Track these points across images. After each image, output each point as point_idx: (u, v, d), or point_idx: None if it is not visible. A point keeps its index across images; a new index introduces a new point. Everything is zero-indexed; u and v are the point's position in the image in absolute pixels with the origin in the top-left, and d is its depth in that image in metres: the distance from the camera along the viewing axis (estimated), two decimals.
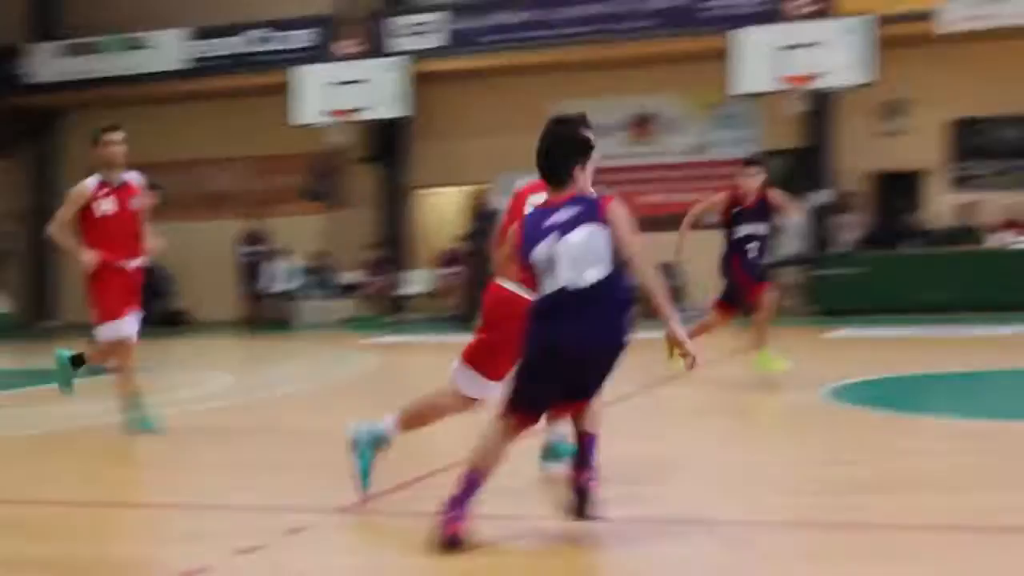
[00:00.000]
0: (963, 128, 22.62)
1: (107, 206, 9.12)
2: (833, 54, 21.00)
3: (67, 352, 9.26)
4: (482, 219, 21.77)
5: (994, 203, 22.04)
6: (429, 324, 23.04)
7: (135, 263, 9.20)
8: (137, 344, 9.18)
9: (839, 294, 21.01)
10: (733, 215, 11.34)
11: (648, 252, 5.32)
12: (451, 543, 5.15)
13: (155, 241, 9.40)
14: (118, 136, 9.28)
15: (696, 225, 11.62)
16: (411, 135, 25.43)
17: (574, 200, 5.49)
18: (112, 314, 9.02)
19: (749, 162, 11.83)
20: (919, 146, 22.71)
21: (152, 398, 9.40)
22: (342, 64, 24.21)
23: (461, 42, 24.14)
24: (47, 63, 26.96)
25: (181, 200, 25.18)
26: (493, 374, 6.17)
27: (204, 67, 25.57)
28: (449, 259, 23.85)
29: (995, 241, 21.38)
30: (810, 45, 21.06)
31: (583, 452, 5.55)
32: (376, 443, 6.40)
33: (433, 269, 24.60)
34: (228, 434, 9.20)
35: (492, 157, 24.74)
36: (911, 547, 5.24)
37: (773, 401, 10.54)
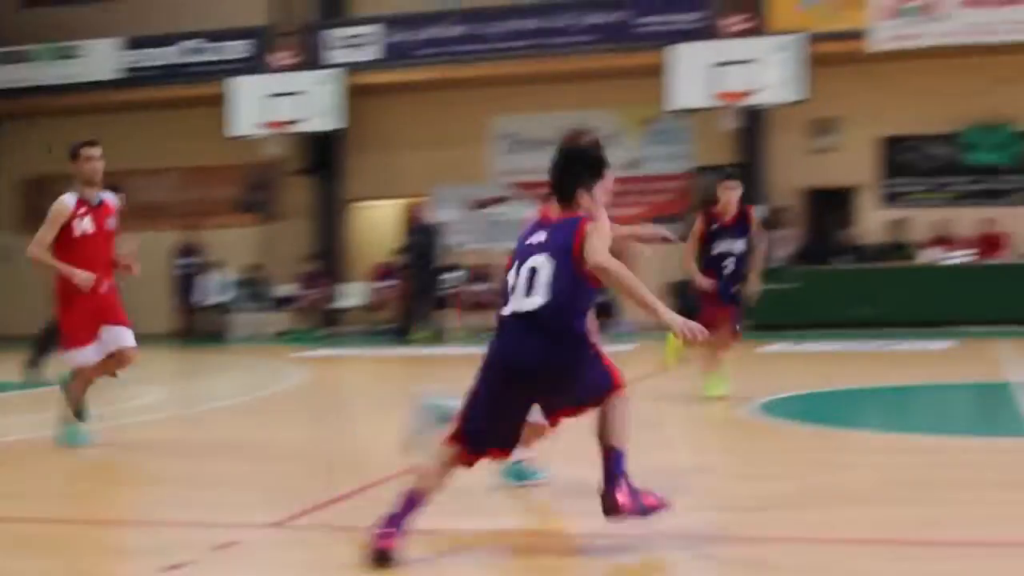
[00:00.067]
0: (893, 145, 22.92)
1: (85, 225, 8.86)
2: (766, 71, 21.21)
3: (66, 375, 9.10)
4: (417, 232, 21.79)
5: (923, 219, 22.36)
6: (364, 337, 23.01)
7: (107, 285, 8.99)
8: (136, 354, 9.06)
9: (772, 309, 21.12)
10: (711, 232, 11.09)
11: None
12: (380, 558, 5.14)
13: (131, 251, 9.25)
14: (97, 151, 8.99)
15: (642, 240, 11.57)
16: (347, 147, 25.39)
17: (560, 223, 5.55)
18: (75, 341, 8.88)
19: (728, 176, 11.59)
20: (850, 163, 22.99)
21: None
22: (277, 76, 24.13)
23: (397, 55, 24.13)
24: None
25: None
26: None
27: (138, 77, 25.37)
28: (385, 272, 23.83)
29: (925, 257, 21.67)
30: (743, 62, 21.25)
31: (605, 467, 5.46)
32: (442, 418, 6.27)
33: (368, 282, 24.56)
34: (159, 448, 9.15)
35: (428, 170, 24.80)
36: (836, 561, 5.31)
37: (703, 415, 10.62)
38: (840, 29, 21.18)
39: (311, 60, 24.31)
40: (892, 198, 23.06)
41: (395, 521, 5.23)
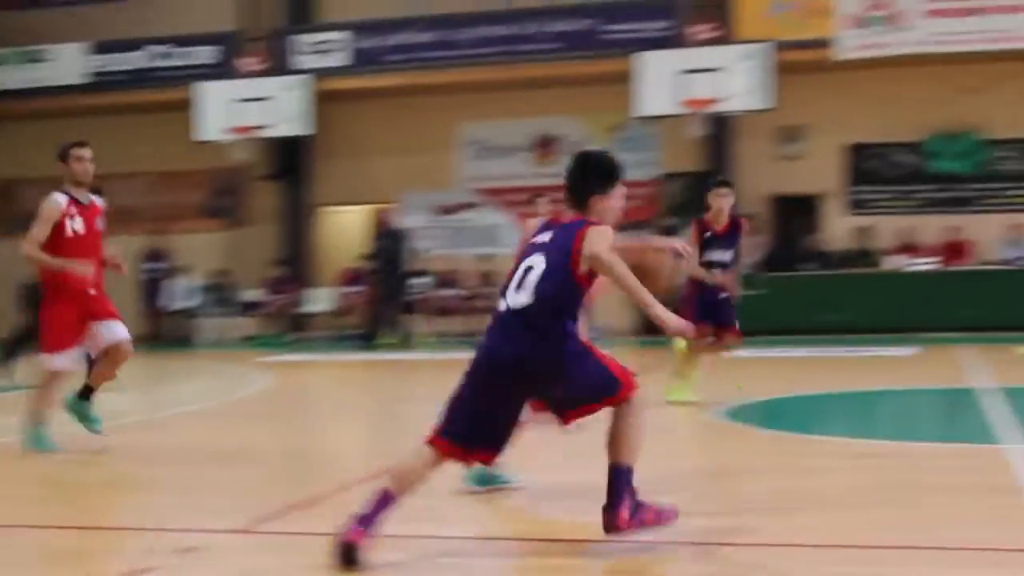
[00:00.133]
0: (858, 153, 23.07)
1: (77, 225, 8.81)
2: (733, 79, 21.31)
3: (70, 396, 9.04)
4: (385, 238, 21.78)
5: (889, 227, 22.52)
6: (331, 342, 22.98)
7: (95, 288, 8.92)
8: (131, 349, 9.06)
9: (738, 315, 21.24)
10: (704, 241, 10.98)
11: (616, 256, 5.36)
12: (346, 551, 5.15)
13: (117, 251, 9.20)
14: (88, 152, 8.94)
15: None
16: (315, 153, 25.36)
17: (566, 224, 5.63)
18: (57, 345, 8.83)
19: (721, 183, 11.45)
20: (816, 170, 23.12)
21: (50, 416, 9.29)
22: (245, 81, 24.09)
23: (365, 61, 24.12)
24: None
25: None
26: None
27: (105, 82, 25.27)
28: (352, 277, 23.81)
29: (890, 264, 21.81)
30: (710, 70, 21.35)
31: (609, 483, 5.48)
32: None
33: (336, 287, 24.54)
34: (124, 453, 9.11)
35: (396, 176, 24.80)
36: (801, 565, 5.35)
37: (670, 420, 10.66)
38: (807, 38, 21.30)
39: (279, 66, 24.27)
40: (858, 205, 23.21)
41: (366, 519, 5.25)
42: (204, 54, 24.98)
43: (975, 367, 14.53)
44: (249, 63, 24.35)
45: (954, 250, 22.02)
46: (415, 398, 13.87)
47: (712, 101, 21.38)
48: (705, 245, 11.00)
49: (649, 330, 20.92)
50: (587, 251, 5.36)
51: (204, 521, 6.42)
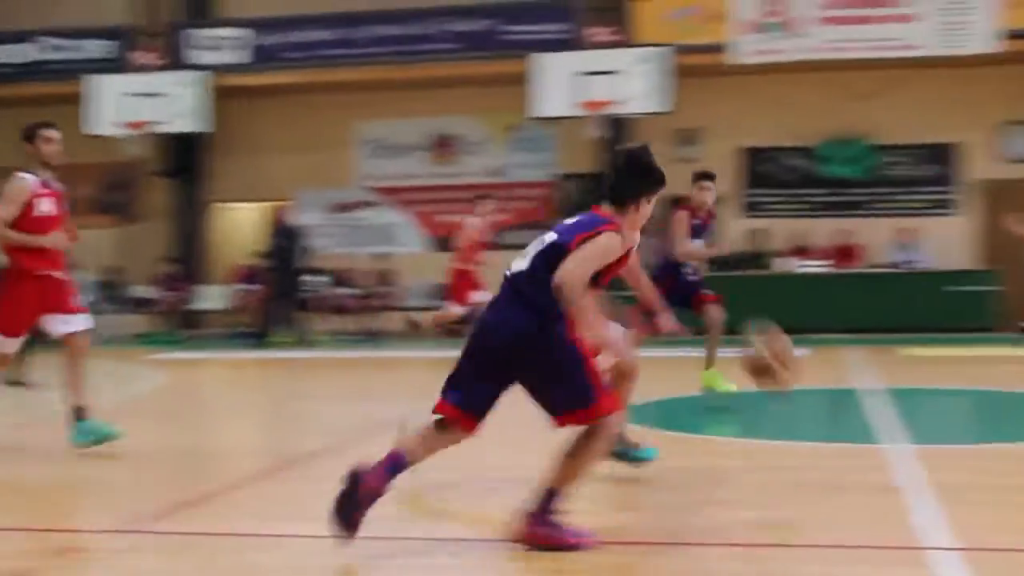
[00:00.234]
0: (753, 157, 23.37)
1: (45, 207, 8.68)
2: (630, 82, 21.47)
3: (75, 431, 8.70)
4: (281, 235, 21.64)
5: (782, 229, 22.84)
6: (224, 340, 22.77)
7: (61, 271, 8.78)
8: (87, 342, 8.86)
9: (632, 315, 21.42)
10: (692, 229, 10.96)
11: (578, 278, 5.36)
12: (351, 484, 5.42)
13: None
14: (57, 133, 8.81)
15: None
16: (211, 149, 25.12)
17: (593, 215, 5.65)
18: (8, 330, 8.62)
19: (705, 175, 11.34)
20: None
21: None
22: (139, 76, 23.76)
23: (263, 58, 23.93)
24: None
25: None
26: None
27: None
28: (246, 275, 23.61)
29: (781, 266, 22.11)
30: (608, 73, 21.49)
31: (539, 496, 5.50)
32: None
33: (229, 285, 24.31)
34: (10, 452, 8.97)
35: (293, 173, 24.65)
36: (698, 565, 5.42)
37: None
38: (704, 42, 21.51)
39: (174, 61, 23.99)
40: (752, 208, 23.50)
41: (380, 470, 5.44)
42: (97, 47, 24.60)
43: (861, 368, 14.78)
44: (144, 57, 24.02)
45: (844, 253, 22.41)
46: (309, 396, 13.82)
47: (609, 103, 21.52)
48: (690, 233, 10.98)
49: None
50: (559, 273, 5.35)
51: (89, 521, 6.34)
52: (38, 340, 10.71)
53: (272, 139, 24.95)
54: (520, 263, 5.60)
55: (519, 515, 5.49)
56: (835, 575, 5.12)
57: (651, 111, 21.56)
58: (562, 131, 23.19)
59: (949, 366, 15.96)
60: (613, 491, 7.03)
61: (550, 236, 5.60)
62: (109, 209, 26.04)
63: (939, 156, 22.95)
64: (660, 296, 9.20)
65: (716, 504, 6.61)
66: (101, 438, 8.56)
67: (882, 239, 22.48)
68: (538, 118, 22.23)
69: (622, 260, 5.68)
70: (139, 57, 24.05)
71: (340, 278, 23.69)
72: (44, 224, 8.68)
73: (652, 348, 17.74)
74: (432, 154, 24.80)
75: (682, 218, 10.99)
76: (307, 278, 22.16)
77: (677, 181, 26.44)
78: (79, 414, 8.68)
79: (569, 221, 5.70)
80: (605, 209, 5.69)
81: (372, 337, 22.61)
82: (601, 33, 22.18)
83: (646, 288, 7.96)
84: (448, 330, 19.40)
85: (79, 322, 8.80)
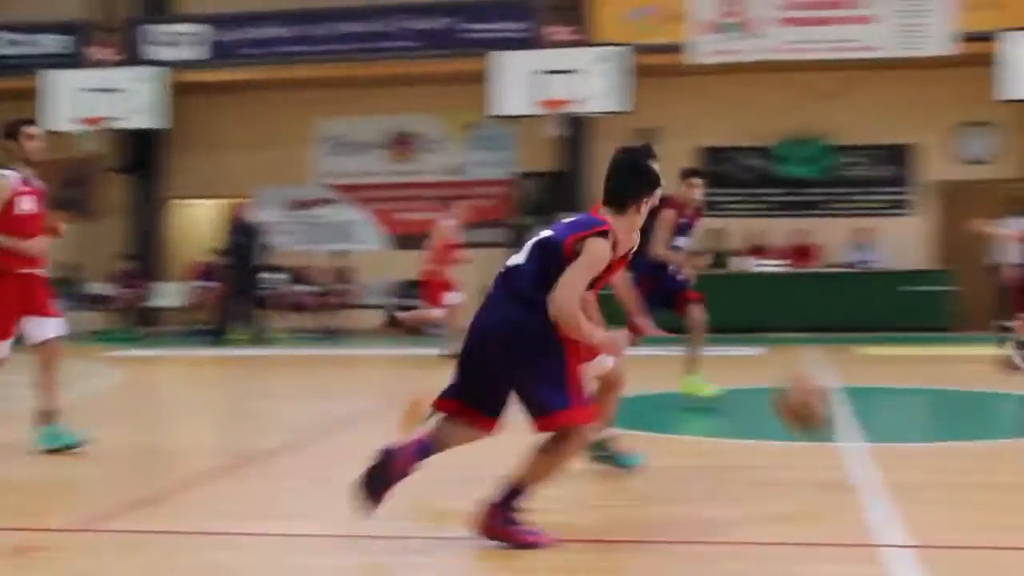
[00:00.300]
0: (711, 156, 23.45)
1: (27, 205, 8.46)
2: (589, 81, 21.51)
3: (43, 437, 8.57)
4: (239, 232, 21.56)
5: (739, 229, 22.95)
6: (181, 338, 22.67)
7: (42, 270, 8.61)
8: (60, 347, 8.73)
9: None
10: (679, 227, 10.90)
11: (573, 290, 5.45)
12: (397, 474, 5.58)
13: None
14: (38, 130, 8.60)
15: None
16: (168, 146, 24.99)
17: (588, 216, 5.71)
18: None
19: (694, 172, 11.32)
20: (669, 172, 23.20)
21: None
22: (96, 71, 23.59)
23: (221, 54, 23.83)
24: None
25: None
26: None
27: None
28: (204, 272, 23.50)
29: (738, 265, 22.21)
30: (567, 72, 21.53)
31: (503, 489, 5.54)
32: None
33: (187, 282, 24.20)
34: None
35: (251, 170, 24.57)
36: (633, 560, 5.45)
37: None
38: (663, 42, 21.58)
39: (132, 57, 23.85)
40: (710, 207, 23.47)
41: (407, 449, 5.60)
42: (53, 42, 24.43)
43: (817, 367, 14.87)
44: (101, 53, 23.86)
45: (801, 252, 22.55)
46: (267, 394, 13.79)
47: (568, 102, 21.56)
48: (675, 231, 10.90)
49: None
50: (552, 305, 5.41)
51: (43, 519, 6.30)
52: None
53: (230, 136, 24.86)
54: (515, 259, 5.65)
55: (482, 507, 5.50)
56: (792, 573, 5.17)
57: (610, 110, 21.62)
58: (521, 129, 23.22)
59: (904, 365, 16.09)
60: (576, 489, 7.06)
61: (546, 234, 5.65)
62: (66, 205, 25.75)
63: (895, 157, 23.14)
64: (641, 297, 9.25)
65: (677, 503, 6.65)
66: (66, 445, 8.49)
67: (839, 239, 22.64)
68: (497, 116, 22.24)
69: (619, 263, 5.75)
70: (96, 52, 23.89)
71: (298, 275, 23.63)
72: (25, 223, 8.46)
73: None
74: (391, 152, 24.78)
75: (668, 217, 10.85)
76: (265, 275, 22.09)
77: None
78: (47, 419, 8.62)
79: (566, 220, 5.76)
80: (602, 211, 5.74)
81: (330, 335, 22.56)
82: (560, 32, 22.21)
83: (625, 291, 8.04)
84: (410, 329, 19.41)
85: (55, 327, 8.67)
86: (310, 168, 24.92)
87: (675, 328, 10.74)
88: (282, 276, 23.17)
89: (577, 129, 22.73)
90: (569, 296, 5.41)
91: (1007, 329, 14.32)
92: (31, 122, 8.70)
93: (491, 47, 22.03)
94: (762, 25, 21.47)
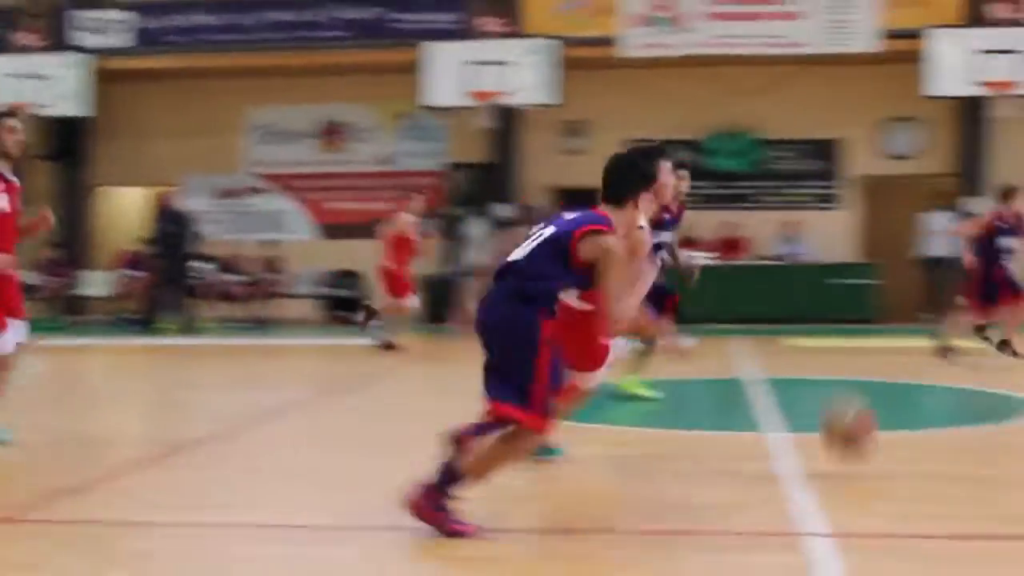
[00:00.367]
0: None
1: (1, 203, 8.07)
2: (520, 73, 21.56)
3: None
4: (168, 221, 21.37)
5: None
6: (108, 327, 22.45)
7: (13, 269, 8.24)
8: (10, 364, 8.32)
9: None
10: (663, 222, 10.70)
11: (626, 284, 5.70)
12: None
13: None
14: (19, 123, 8.22)
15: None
16: (95, 133, 24.73)
17: (589, 213, 5.83)
18: None
19: (680, 164, 10.98)
20: (597, 165, 23.11)
21: None
22: (21, 57, 23.29)
23: (149, 41, 23.62)
24: None
25: None
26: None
27: None
28: (131, 260, 23.28)
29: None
30: (498, 63, 21.56)
31: (440, 471, 5.55)
32: None
33: (114, 271, 23.97)
34: None
35: (180, 158, 24.37)
36: (580, 550, 5.50)
37: (441, 409, 10.71)
38: (593, 35, 21.66)
39: (58, 42, 23.57)
40: None
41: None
42: None
43: (745, 358, 15.03)
44: (26, 38, 23.57)
45: (730, 245, 22.72)
46: (195, 384, 13.71)
47: (499, 94, 21.60)
48: (658, 226, 10.94)
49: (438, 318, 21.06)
50: (609, 311, 5.62)
51: None
52: None
53: (158, 123, 24.65)
54: (515, 256, 5.71)
55: (417, 486, 5.53)
56: (716, 561, 5.23)
57: (540, 103, 21.69)
58: (452, 120, 23.21)
59: (830, 356, 16.28)
60: (502, 480, 7.09)
61: (548, 230, 5.73)
62: None
63: (822, 151, 23.40)
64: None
65: (603, 492, 6.70)
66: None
67: (767, 232, 22.86)
68: (428, 107, 22.25)
69: (639, 256, 5.93)
70: (21, 38, 23.60)
71: (227, 265, 23.47)
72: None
73: None
74: (321, 141, 24.70)
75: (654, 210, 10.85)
76: (194, 264, 21.93)
77: (565, 172, 26.63)
78: None
79: (568, 216, 5.82)
80: (602, 208, 5.89)
81: (260, 324, 22.46)
82: (491, 23, 22.25)
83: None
84: (343, 320, 19.28)
85: (20, 333, 8.36)
86: (240, 157, 24.78)
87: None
88: (211, 265, 23.01)
89: (507, 121, 22.76)
90: (621, 308, 5.67)
91: (983, 328, 14.39)
92: (12, 115, 8.39)
93: (422, 38, 22.03)
94: (692, 20, 21.62)
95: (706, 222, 23.00)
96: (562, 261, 5.59)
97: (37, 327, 22.90)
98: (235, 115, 24.58)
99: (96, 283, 24.07)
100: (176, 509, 6.17)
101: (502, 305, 5.59)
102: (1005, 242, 14.04)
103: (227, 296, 23.14)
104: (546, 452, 7.37)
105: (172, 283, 21.21)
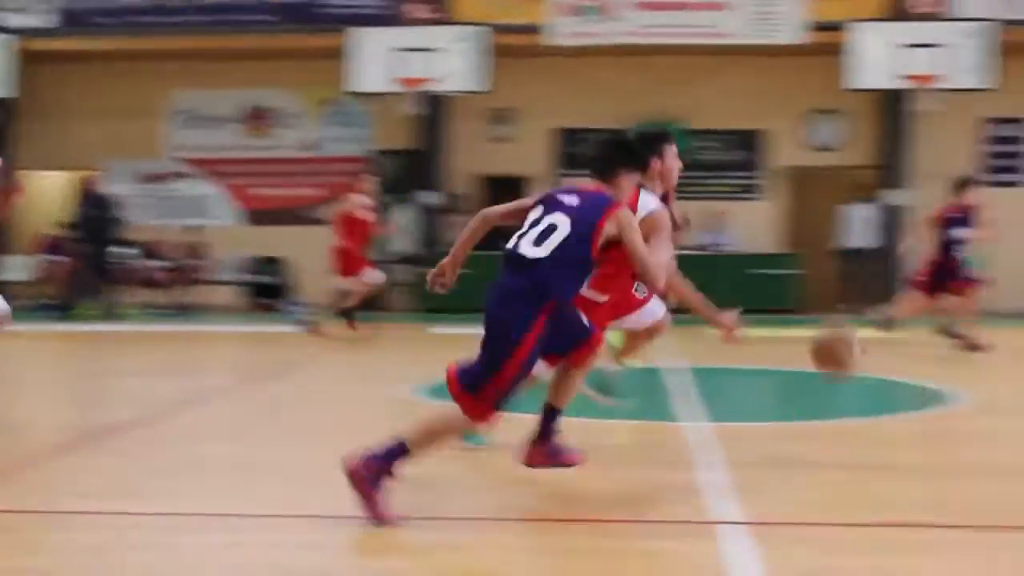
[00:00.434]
0: (565, 137, 23.65)
1: None
2: (448, 60, 21.57)
3: None
4: (90, 205, 21.15)
5: None
6: (27, 312, 22.16)
7: None
8: None
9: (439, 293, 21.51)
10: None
11: (664, 259, 5.99)
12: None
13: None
14: None
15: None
16: (16, 115, 24.40)
17: (594, 195, 5.84)
18: None
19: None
20: (525, 153, 23.61)
21: None
22: None
23: (72, 23, 23.35)
24: None
25: None
26: None
27: None
28: (52, 245, 23.01)
29: None
30: (426, 50, 21.54)
31: (385, 449, 5.56)
32: None
33: (34, 255, 23.66)
34: None
35: (102, 142, 24.12)
36: (491, 538, 5.53)
37: (364, 396, 10.74)
38: (521, 22, 21.72)
39: None
40: None
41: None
42: None
43: (666, 347, 15.11)
44: None
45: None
46: (116, 371, 13.58)
47: (426, 80, 21.59)
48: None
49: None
50: (637, 259, 5.75)
51: None
52: None
53: (81, 106, 24.38)
54: (538, 250, 5.66)
55: (362, 453, 5.51)
56: (631, 548, 5.27)
57: (467, 90, 21.71)
58: (378, 107, 23.17)
59: (752, 346, 16.38)
60: (417, 469, 7.10)
61: (562, 220, 5.69)
62: None
63: (747, 142, 23.62)
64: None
65: (516, 480, 6.72)
66: None
67: (693, 222, 22.99)
68: (354, 93, 22.19)
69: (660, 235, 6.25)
70: None
71: (150, 250, 23.27)
72: None
73: (458, 326, 17.91)
74: (246, 126, 24.54)
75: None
76: (116, 250, 21.70)
77: (492, 160, 26.68)
78: None
79: (574, 202, 5.78)
80: (593, 184, 5.98)
81: (183, 311, 22.29)
82: (419, 10, 22.22)
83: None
84: (266, 307, 19.20)
85: None
86: (163, 141, 24.57)
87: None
88: (133, 251, 22.79)
89: (434, 107, 22.75)
90: (657, 263, 5.90)
91: (953, 330, 14.55)
92: None
93: (349, 23, 21.95)
94: (619, 9, 21.73)
95: None
96: (586, 256, 5.67)
97: None
98: (159, 99, 24.36)
99: (15, 267, 23.74)
100: (99, 497, 6.12)
101: (515, 303, 5.61)
102: (958, 233, 14.34)
103: (150, 282, 22.95)
104: (472, 439, 7.39)
105: (94, 268, 20.99)
